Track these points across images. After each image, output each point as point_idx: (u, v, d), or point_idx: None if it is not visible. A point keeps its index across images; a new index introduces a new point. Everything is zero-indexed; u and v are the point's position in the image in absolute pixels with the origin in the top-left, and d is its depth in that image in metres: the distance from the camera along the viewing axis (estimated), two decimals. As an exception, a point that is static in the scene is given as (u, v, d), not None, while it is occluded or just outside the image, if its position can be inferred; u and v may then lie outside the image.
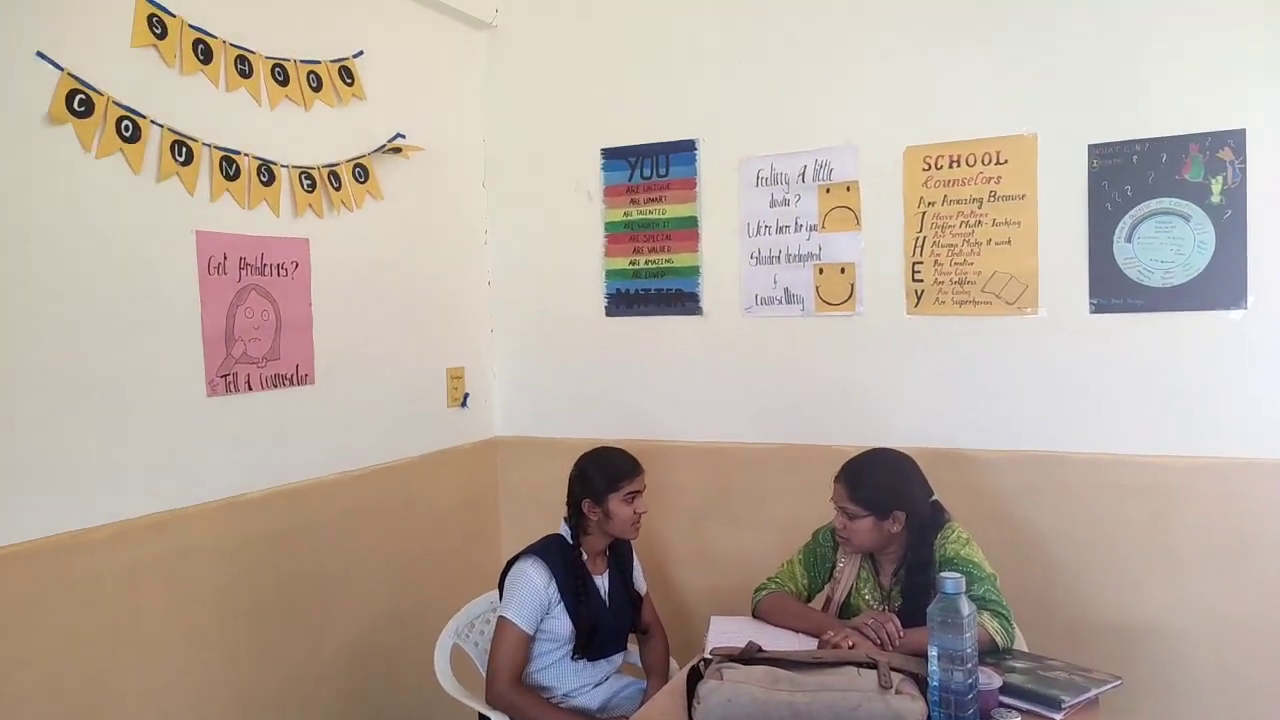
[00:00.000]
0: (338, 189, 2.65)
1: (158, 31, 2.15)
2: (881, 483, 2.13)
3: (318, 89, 2.59)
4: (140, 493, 2.11)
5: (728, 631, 2.10)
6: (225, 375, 2.31)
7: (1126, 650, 2.49)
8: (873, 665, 1.68)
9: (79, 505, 1.98)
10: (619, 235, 3.12)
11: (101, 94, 2.01)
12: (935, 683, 1.65)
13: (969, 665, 1.64)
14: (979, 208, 2.64)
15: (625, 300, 3.12)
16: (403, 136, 2.85)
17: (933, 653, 1.66)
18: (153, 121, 2.12)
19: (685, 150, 3.01)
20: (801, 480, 2.74)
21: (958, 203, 2.67)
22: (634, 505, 2.25)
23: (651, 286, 3.08)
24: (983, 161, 2.64)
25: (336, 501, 2.63)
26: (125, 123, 2.07)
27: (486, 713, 2.16)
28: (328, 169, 2.62)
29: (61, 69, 1.94)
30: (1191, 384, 2.44)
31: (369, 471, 2.75)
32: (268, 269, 2.43)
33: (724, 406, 2.99)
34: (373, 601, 2.75)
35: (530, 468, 3.23)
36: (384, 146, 2.80)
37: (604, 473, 2.26)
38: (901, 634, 1.94)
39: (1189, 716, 2.46)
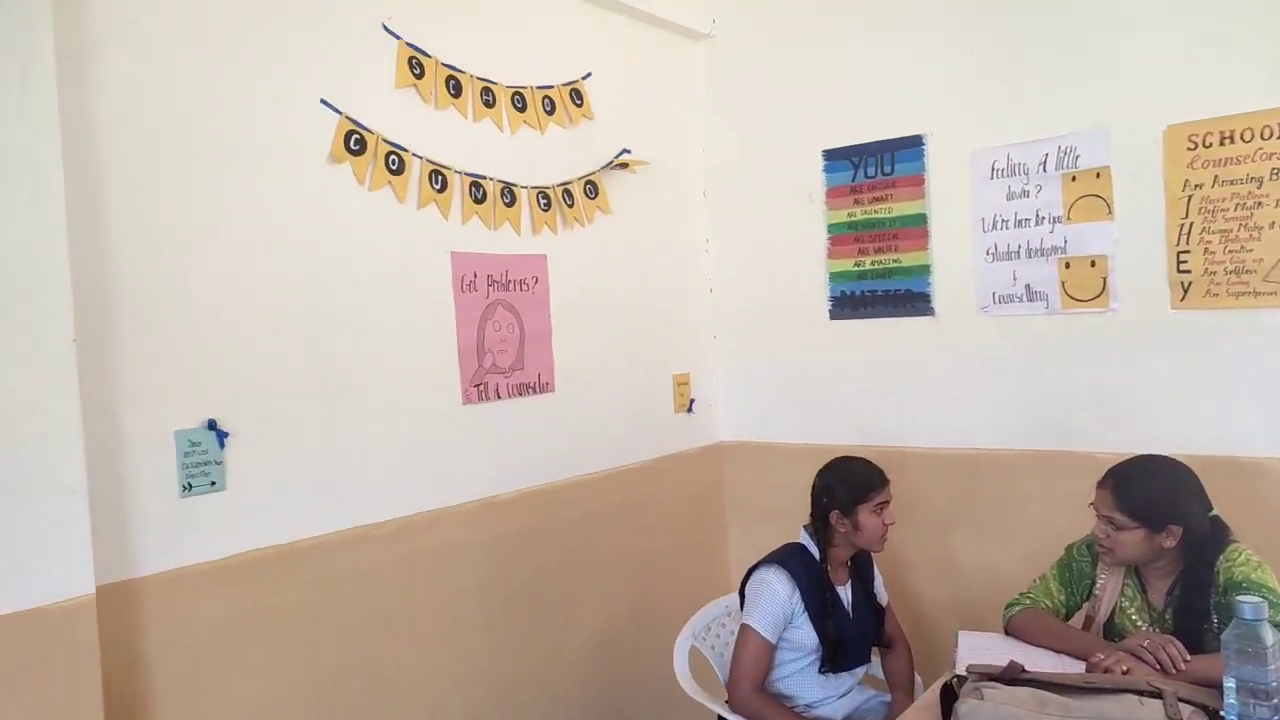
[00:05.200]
0: (571, 206, 2.78)
1: (417, 72, 2.35)
2: (1155, 493, 1.95)
3: (551, 112, 2.73)
4: (411, 493, 2.31)
5: (978, 648, 2.00)
6: (478, 385, 2.48)
7: None
8: (1157, 694, 1.54)
9: (362, 504, 2.20)
10: (842, 237, 3.07)
11: (372, 133, 2.23)
12: (1233, 717, 1.50)
13: (1275, 700, 1.47)
14: (1258, 188, 2.37)
15: (850, 302, 3.06)
16: (628, 151, 2.95)
17: (1229, 684, 1.50)
18: (414, 154, 2.33)
19: (912, 146, 2.91)
20: (1052, 488, 2.58)
21: (1232, 184, 2.40)
22: (882, 516, 2.20)
23: (878, 288, 3.00)
24: (1261, 136, 2.36)
25: (576, 503, 2.76)
26: (392, 157, 2.28)
27: (728, 716, 2.18)
28: (561, 187, 2.76)
29: (340, 113, 2.17)
30: None
31: (604, 475, 2.86)
32: (512, 285, 2.59)
33: (962, 410, 2.85)
34: (611, 598, 2.86)
35: (755, 472, 3.24)
36: (611, 162, 2.91)
37: (851, 484, 2.22)
38: (1186, 659, 1.77)
39: None
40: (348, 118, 2.18)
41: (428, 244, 2.39)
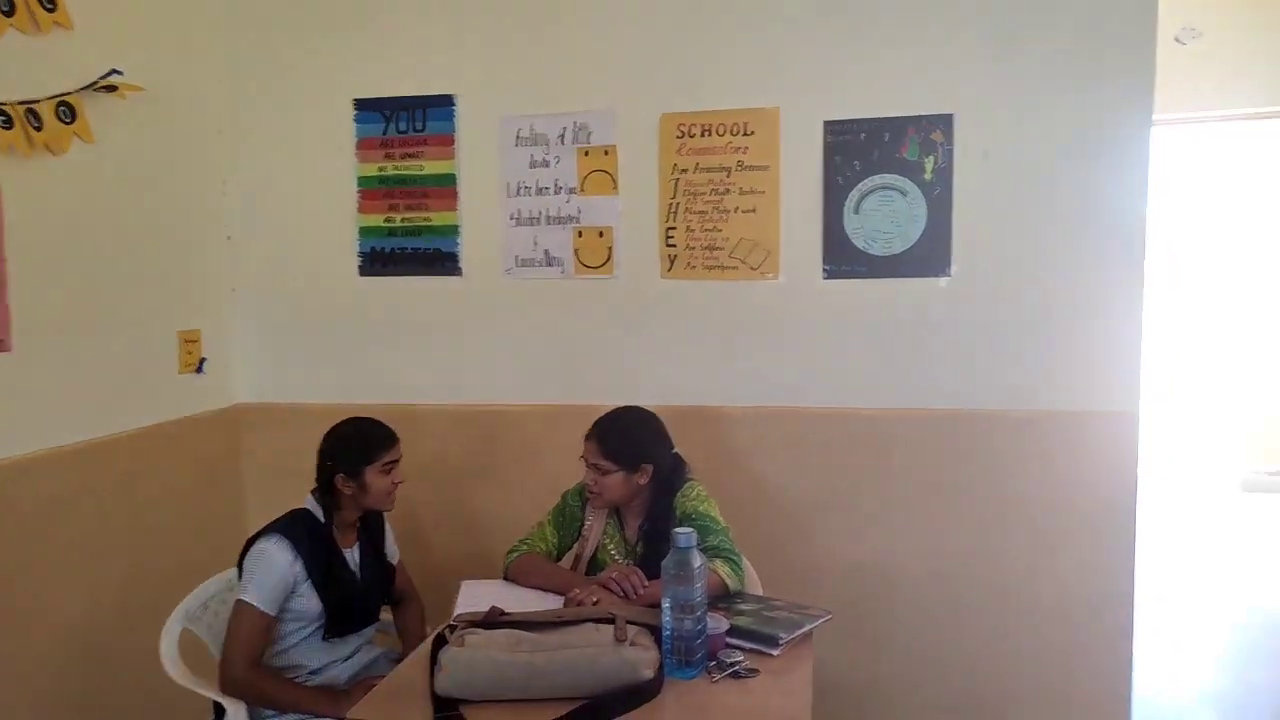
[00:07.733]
0: (39, 129, 2.33)
1: None
2: (630, 438, 2.21)
3: (10, 13, 2.26)
4: None
5: (479, 595, 2.10)
6: (-112, 342, 1.99)
7: (849, 587, 2.75)
8: (610, 620, 1.74)
9: None
10: (373, 191, 2.98)
11: None
12: (668, 631, 1.74)
13: (699, 613, 1.74)
14: (727, 176, 2.76)
15: (380, 259, 2.99)
16: (119, 74, 2.55)
17: (666, 603, 1.74)
18: None
19: (443, 105, 2.91)
20: (566, 440, 2.76)
21: (708, 171, 2.77)
22: (391, 476, 2.19)
23: (409, 245, 2.98)
24: (731, 132, 2.75)
25: (41, 483, 2.35)
26: None
27: (221, 700, 2.03)
28: (24, 106, 2.30)
29: None
30: (907, 343, 2.70)
31: (83, 447, 2.48)
32: (-56, 219, 2.11)
33: (487, 369, 2.96)
34: (91, 590, 2.50)
35: (278, 436, 3.05)
36: (95, 84, 2.49)
37: (358, 445, 2.17)
38: (646, 585, 2.02)
39: (895, 641, 2.76)
40: None
41: None
